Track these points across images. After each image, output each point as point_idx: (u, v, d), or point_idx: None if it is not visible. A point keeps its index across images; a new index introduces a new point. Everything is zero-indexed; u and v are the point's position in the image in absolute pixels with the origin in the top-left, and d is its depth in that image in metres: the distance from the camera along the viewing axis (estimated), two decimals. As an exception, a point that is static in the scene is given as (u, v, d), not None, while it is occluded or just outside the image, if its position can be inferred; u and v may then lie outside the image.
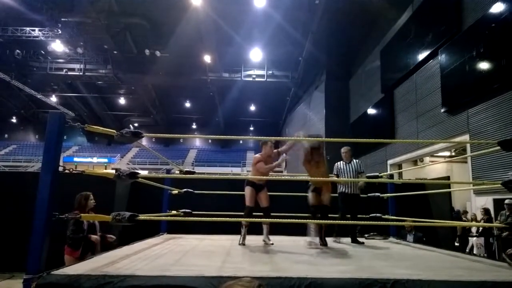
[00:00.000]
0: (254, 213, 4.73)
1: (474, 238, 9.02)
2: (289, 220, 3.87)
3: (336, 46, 18.07)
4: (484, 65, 8.20)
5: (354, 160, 5.39)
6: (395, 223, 5.56)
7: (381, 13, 14.44)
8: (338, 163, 5.43)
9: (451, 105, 9.44)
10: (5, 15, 20.63)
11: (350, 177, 5.21)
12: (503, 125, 7.59)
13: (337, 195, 5.25)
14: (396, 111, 12.91)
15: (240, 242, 4.48)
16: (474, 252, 8.74)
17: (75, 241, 3.94)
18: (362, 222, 4.69)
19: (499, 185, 3.26)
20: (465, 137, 8.84)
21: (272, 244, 4.48)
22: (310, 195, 4.82)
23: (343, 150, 5.40)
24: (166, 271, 2.51)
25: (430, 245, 4.90)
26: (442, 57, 9.78)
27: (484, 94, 8.13)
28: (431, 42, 10.42)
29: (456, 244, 8.89)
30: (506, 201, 7.40)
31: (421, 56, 10.93)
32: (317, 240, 4.50)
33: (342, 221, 4.87)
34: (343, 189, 5.25)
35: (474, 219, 8.72)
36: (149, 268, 2.70)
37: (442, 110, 9.76)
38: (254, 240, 4.81)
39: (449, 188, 7.85)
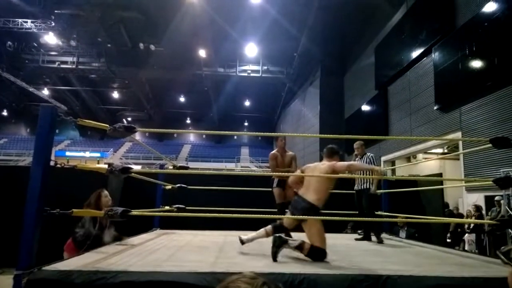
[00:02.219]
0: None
1: (466, 235, 9.12)
2: (270, 216, 3.87)
3: (331, 42, 18.08)
4: (476, 64, 8.26)
5: (367, 154, 5.16)
6: (388, 219, 5.60)
7: (376, 11, 14.47)
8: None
9: (444, 102, 9.50)
10: (-4, 6, 20.35)
11: (359, 173, 4.97)
12: (495, 123, 7.67)
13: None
14: (390, 108, 12.98)
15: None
16: (466, 248, 8.84)
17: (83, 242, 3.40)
18: (356, 219, 4.71)
19: (491, 182, 3.29)
20: (458, 135, 8.91)
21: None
22: (275, 191, 4.75)
23: (355, 145, 5.24)
24: (159, 267, 2.50)
25: (422, 241, 4.94)
26: (435, 55, 9.83)
27: (477, 92, 8.20)
28: (425, 40, 10.46)
29: (448, 240, 8.99)
30: (496, 198, 7.49)
31: (415, 53, 10.98)
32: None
33: (337, 217, 4.87)
34: (355, 186, 5.15)
35: (470, 215, 8.80)
36: (141, 264, 2.69)
37: (435, 108, 9.83)
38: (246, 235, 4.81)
39: (442, 184, 7.92)
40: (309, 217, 3.19)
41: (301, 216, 3.25)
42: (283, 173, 4.55)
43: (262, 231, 3.47)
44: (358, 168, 4.38)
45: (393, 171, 12.53)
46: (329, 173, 3.34)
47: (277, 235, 3.08)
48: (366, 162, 5.04)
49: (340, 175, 3.62)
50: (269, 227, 3.47)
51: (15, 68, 25.51)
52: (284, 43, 21.01)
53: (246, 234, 3.63)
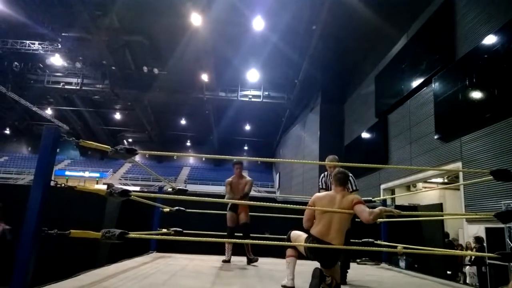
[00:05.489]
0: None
1: (467, 267, 8.97)
2: (279, 242, 3.83)
3: (332, 70, 18.38)
4: (476, 95, 8.36)
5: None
6: (387, 249, 5.52)
7: (377, 40, 14.77)
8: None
9: (444, 132, 9.55)
10: (6, 27, 20.80)
11: None
12: (495, 154, 7.68)
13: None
14: (389, 136, 13.03)
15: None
16: (467, 281, 8.67)
17: None
18: (354, 247, 4.65)
19: (492, 216, 3.27)
20: (458, 165, 8.90)
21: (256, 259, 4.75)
22: (227, 214, 4.90)
23: (328, 159, 4.53)
24: (154, 292, 2.46)
25: (422, 272, 4.86)
26: (435, 85, 9.96)
27: (477, 123, 8.25)
28: (425, 70, 10.63)
29: (448, 272, 8.82)
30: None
31: (415, 83, 11.13)
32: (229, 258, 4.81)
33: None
34: None
35: (470, 247, 8.68)
36: (136, 288, 2.65)
37: (436, 137, 9.87)
38: (243, 260, 4.76)
39: (442, 216, 7.85)
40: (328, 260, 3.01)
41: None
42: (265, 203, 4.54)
43: (291, 262, 3.13)
44: (378, 218, 3.10)
45: (393, 199, 12.45)
46: (351, 210, 3.01)
47: (319, 268, 2.86)
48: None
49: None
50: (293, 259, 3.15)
51: (20, 87, 25.80)
52: (285, 70, 21.36)
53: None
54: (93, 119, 33.14)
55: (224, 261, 4.74)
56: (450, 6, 9.87)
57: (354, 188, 4.39)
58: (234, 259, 4.87)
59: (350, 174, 4.36)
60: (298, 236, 3.18)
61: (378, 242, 5.52)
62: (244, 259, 4.82)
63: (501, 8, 7.97)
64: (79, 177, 32.76)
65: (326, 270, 2.92)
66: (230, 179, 5.12)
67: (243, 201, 4.72)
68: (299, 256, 3.14)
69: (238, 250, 4.92)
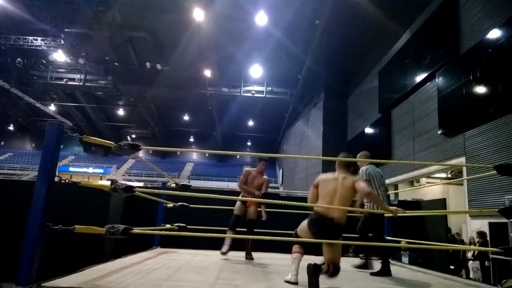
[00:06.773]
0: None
1: (470, 262, 8.96)
2: (283, 238, 3.84)
3: (335, 65, 18.30)
4: (480, 89, 8.31)
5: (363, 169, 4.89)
6: (390, 244, 5.52)
7: (380, 35, 14.69)
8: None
9: (447, 127, 9.51)
10: (9, 24, 20.82)
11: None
12: (499, 149, 7.65)
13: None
14: (393, 131, 12.99)
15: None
16: (470, 275, 8.66)
17: None
18: (357, 243, 4.65)
19: (496, 211, 3.26)
20: (461, 160, 8.87)
21: (252, 259, 4.69)
22: (237, 203, 4.95)
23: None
24: (158, 287, 2.48)
25: (426, 267, 4.86)
26: (439, 80, 9.91)
27: (481, 117, 8.21)
28: (429, 65, 10.57)
29: (452, 267, 8.81)
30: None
31: (419, 78, 11.07)
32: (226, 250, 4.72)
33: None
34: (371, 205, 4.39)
35: (473, 242, 8.67)
36: (140, 283, 2.66)
37: (439, 132, 9.83)
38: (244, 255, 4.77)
39: (446, 211, 7.83)
40: (323, 240, 3.00)
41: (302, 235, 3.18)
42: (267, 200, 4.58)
43: (296, 258, 3.15)
44: (374, 200, 3.88)
45: (396, 194, 12.43)
46: (353, 190, 3.18)
47: (313, 263, 2.87)
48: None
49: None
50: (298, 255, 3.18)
51: (23, 84, 25.91)
52: (288, 65, 21.30)
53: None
54: (96, 115, 33.24)
55: (222, 253, 4.68)
56: (453, 1, 9.79)
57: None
58: (236, 254, 4.88)
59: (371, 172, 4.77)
60: (303, 225, 3.27)
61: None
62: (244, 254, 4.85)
63: (505, 2, 7.90)
64: (83, 173, 32.92)
65: (328, 249, 2.99)
66: (250, 169, 5.09)
67: (253, 199, 4.73)
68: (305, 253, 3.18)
69: (240, 245, 4.92)
